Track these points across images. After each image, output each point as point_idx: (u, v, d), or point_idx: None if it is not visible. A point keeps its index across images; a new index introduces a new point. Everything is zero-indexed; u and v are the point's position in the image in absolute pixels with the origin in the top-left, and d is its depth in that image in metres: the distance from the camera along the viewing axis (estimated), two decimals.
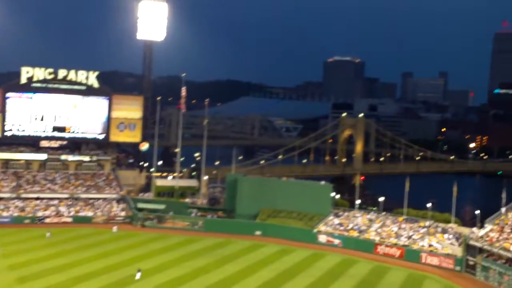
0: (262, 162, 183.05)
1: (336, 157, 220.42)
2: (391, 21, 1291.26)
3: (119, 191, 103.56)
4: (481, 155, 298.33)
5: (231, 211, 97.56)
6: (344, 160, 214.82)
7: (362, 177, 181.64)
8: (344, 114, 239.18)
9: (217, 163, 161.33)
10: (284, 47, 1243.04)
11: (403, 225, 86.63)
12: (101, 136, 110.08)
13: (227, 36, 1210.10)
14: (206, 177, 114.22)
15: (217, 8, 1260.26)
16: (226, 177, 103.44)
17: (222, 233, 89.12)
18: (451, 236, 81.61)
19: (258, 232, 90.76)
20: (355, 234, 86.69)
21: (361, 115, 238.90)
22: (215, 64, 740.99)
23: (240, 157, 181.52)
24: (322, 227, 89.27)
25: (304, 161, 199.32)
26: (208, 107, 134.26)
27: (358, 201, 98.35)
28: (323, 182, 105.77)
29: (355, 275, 70.68)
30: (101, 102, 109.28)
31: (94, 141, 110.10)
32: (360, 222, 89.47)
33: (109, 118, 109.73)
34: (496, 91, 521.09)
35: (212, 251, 78.87)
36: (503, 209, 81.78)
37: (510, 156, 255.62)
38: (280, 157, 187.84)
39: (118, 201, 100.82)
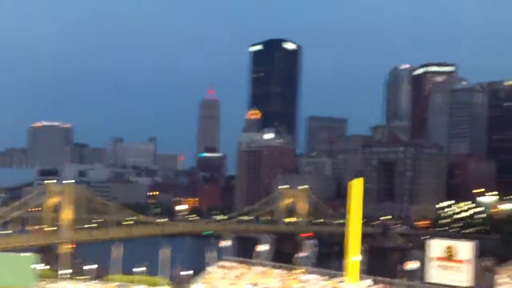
0: None
1: (43, 226, 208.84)
2: (99, 86, 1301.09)
3: None
4: (192, 216, 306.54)
5: None
6: (51, 228, 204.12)
7: (73, 245, 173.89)
8: (51, 181, 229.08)
9: None
10: None
11: None
12: None
13: None
14: None
15: None
16: None
17: None
18: None
19: None
20: None
21: (69, 181, 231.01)
22: None
23: None
24: None
25: (9, 231, 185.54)
26: None
27: (67, 271, 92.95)
28: (26, 253, 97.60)
29: None
30: None
31: None
32: None
33: None
34: (202, 154, 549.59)
35: None
36: (211, 268, 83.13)
37: (215, 217, 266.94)
38: None
39: None
